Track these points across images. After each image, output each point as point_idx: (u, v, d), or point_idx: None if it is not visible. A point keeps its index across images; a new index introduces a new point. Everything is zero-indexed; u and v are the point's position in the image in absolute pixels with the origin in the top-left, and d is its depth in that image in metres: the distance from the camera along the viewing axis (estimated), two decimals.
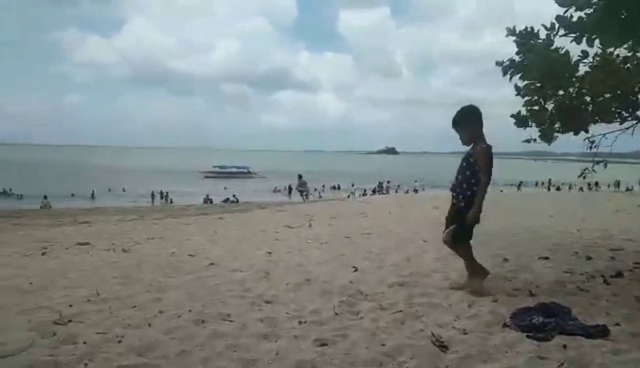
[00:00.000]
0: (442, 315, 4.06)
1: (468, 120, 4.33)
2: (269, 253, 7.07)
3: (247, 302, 4.46)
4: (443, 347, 3.37)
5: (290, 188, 46.99)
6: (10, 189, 39.51)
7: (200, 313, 4.10)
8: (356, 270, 5.60)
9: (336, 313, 4.08)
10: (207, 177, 61.50)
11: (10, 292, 4.88)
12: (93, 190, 38.68)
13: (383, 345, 3.40)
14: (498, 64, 5.42)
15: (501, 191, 26.43)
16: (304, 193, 27.74)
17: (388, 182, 48.96)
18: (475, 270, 4.61)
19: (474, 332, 3.63)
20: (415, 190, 42.42)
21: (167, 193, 37.19)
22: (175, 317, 3.99)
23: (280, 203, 26.70)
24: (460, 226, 4.40)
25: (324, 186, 48.19)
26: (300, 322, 3.88)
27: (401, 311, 4.14)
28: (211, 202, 31.98)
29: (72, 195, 36.65)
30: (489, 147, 4.23)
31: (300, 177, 28.92)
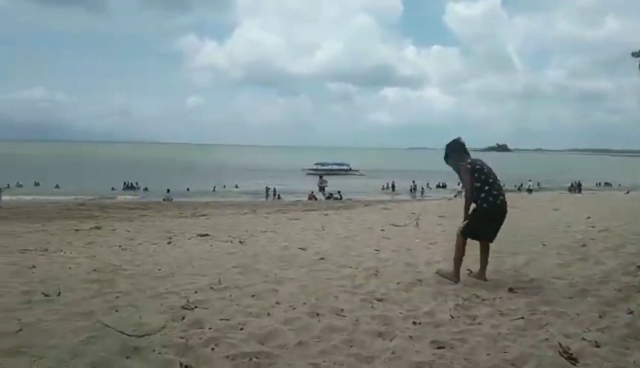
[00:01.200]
0: (568, 324, 3.76)
1: (455, 152, 5.09)
2: (377, 250, 7.04)
3: (358, 298, 4.48)
4: (572, 360, 3.12)
5: (393, 186, 46.56)
6: (137, 183, 43.53)
7: (314, 306, 4.19)
8: (470, 272, 5.38)
9: (452, 316, 3.95)
10: (309, 174, 62.97)
11: (144, 277, 5.36)
12: (214, 186, 41.88)
13: (505, 352, 3.23)
14: (635, 54, 4.90)
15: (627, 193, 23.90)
16: (324, 191, 32.19)
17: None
18: (454, 266, 5.05)
19: (607, 346, 3.32)
20: (529, 190, 39.83)
21: (275, 189, 38.72)
22: (291, 309, 4.12)
23: (384, 201, 26.57)
24: (468, 222, 4.96)
25: (428, 184, 47.13)
26: (414, 323, 3.81)
27: (523, 318, 3.90)
28: (315, 198, 32.70)
29: (188, 189, 39.48)
30: (467, 164, 4.93)
31: (321, 176, 33.68)
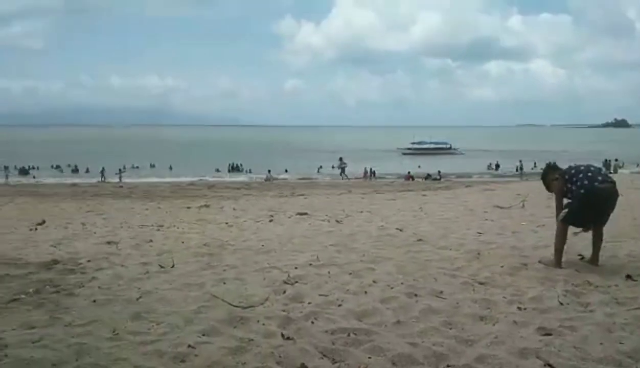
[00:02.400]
0: None
1: (547, 175, 5.19)
2: (479, 233, 6.79)
3: (459, 281, 4.36)
4: None
5: (497, 166, 44.41)
6: (241, 164, 45.72)
7: (412, 286, 4.16)
8: (582, 258, 5.00)
9: (561, 303, 3.72)
10: (404, 154, 61.47)
11: (248, 252, 5.65)
12: (320, 166, 43.00)
13: (621, 343, 2.98)
14: None
15: None
16: (344, 173, 33.34)
17: (616, 160, 42.44)
18: (555, 256, 4.80)
19: None
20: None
21: (371, 169, 38.64)
22: (389, 288, 4.12)
23: (487, 181, 25.46)
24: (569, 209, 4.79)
25: (535, 163, 44.28)
26: (519, 308, 3.64)
27: None
28: (413, 179, 32.14)
29: (286, 171, 40.68)
30: (557, 179, 4.94)
31: (341, 159, 35.10)
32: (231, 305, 3.69)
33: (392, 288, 4.14)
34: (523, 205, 9.63)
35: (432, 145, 65.56)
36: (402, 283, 4.26)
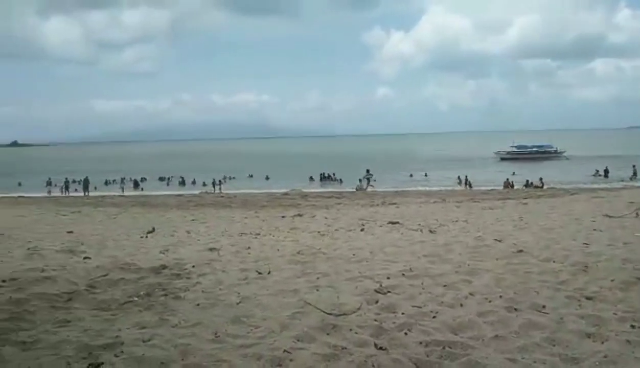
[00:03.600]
0: None
1: None
2: (586, 244, 6.31)
3: (563, 295, 4.10)
4: None
5: (606, 172, 40.92)
6: (334, 174, 46.19)
7: (512, 300, 3.97)
8: None
9: None
10: (503, 159, 58.04)
11: (341, 260, 5.72)
12: (411, 174, 42.50)
13: None
14: None
15: None
16: (367, 183, 31.98)
17: None
18: None
19: None
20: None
21: (466, 177, 37.30)
22: (486, 301, 3.98)
23: (595, 189, 23.57)
24: None
25: None
26: (633, 326, 3.34)
27: None
28: (512, 186, 30.55)
29: (375, 179, 40.41)
30: None
31: (368, 171, 33.84)
32: (324, 312, 3.76)
33: (490, 301, 3.98)
34: (637, 214, 8.80)
35: (535, 149, 61.15)
36: (500, 296, 4.09)
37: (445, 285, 4.48)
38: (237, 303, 4.10)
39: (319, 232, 8.46)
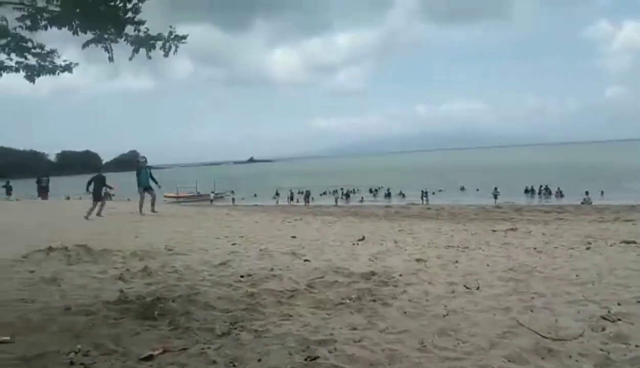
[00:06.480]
0: None
1: None
2: None
3: None
4: None
5: None
6: (547, 186, 41.39)
7: None
8: None
9: None
10: None
11: (560, 281, 5.21)
12: None
13: None
14: None
15: None
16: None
17: None
18: None
19: None
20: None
21: None
22: None
23: None
24: None
25: None
26: None
27: None
28: None
29: (602, 192, 35.07)
30: None
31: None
32: (539, 334, 3.50)
33: None
34: None
35: None
36: None
37: None
38: (444, 316, 4.08)
39: (534, 248, 7.81)
